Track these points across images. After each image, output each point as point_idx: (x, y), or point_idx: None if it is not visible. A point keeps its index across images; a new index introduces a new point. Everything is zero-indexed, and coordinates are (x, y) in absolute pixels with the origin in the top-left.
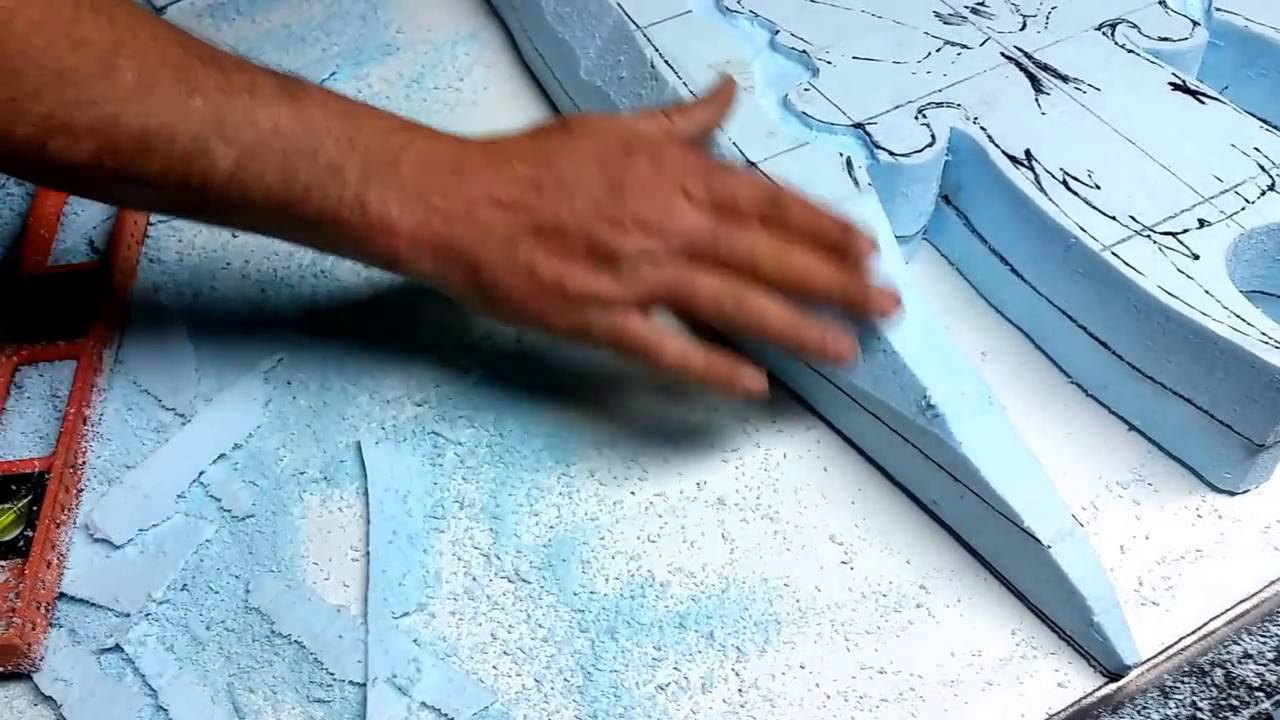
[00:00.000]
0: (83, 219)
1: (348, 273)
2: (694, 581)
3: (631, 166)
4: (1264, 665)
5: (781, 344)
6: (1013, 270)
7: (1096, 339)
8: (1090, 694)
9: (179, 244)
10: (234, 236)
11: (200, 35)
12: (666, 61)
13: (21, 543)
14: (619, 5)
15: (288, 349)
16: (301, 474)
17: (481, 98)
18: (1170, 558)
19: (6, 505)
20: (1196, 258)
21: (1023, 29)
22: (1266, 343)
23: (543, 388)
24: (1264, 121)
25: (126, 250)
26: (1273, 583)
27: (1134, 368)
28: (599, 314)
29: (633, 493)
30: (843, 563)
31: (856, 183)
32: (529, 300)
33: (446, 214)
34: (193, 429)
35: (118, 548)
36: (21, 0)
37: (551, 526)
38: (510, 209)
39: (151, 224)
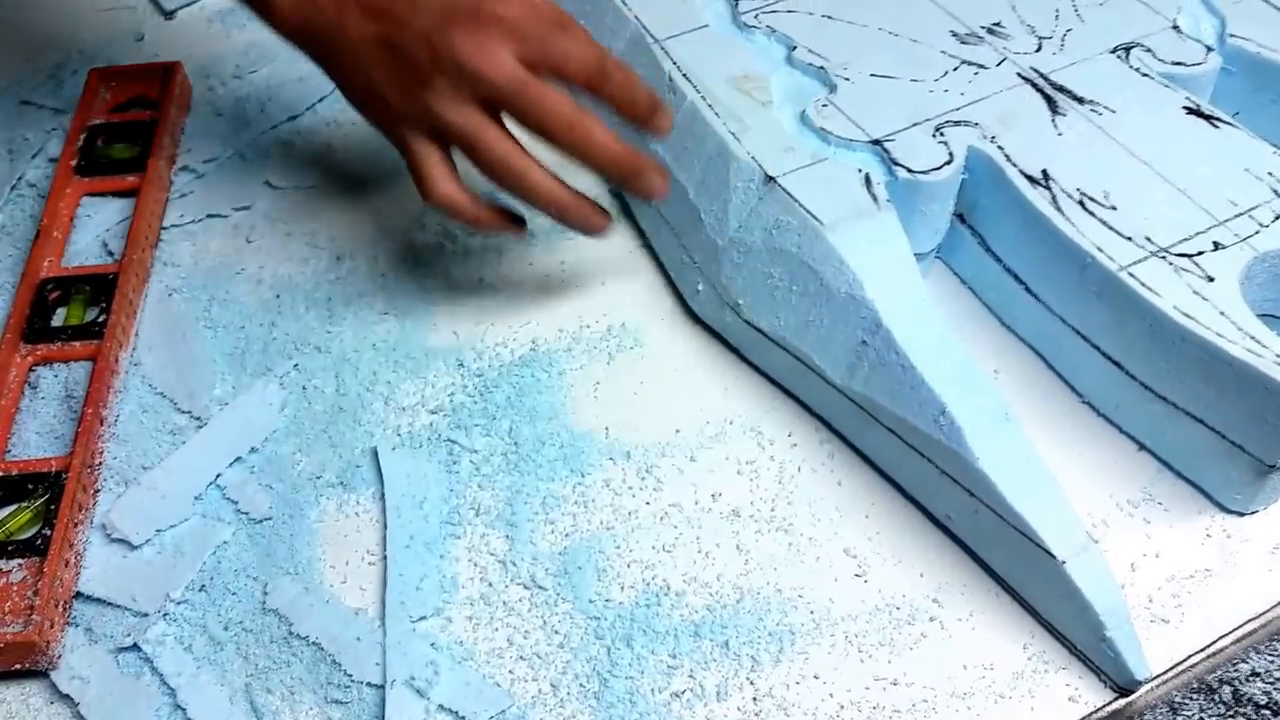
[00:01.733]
0: (96, 221)
1: (363, 279)
2: (709, 591)
3: (478, 5)
4: (1271, 683)
5: (548, 213)
6: (1027, 289)
7: (1109, 358)
8: (1101, 709)
9: (193, 248)
10: (248, 241)
11: (210, 40)
12: (684, 74)
13: (39, 541)
14: (637, 18)
15: (303, 353)
16: (318, 478)
17: None
18: (1180, 576)
19: (24, 504)
20: (1211, 279)
21: (1038, 50)
22: None
23: (558, 398)
24: (1277, 146)
25: (141, 253)
26: None
27: (1146, 387)
28: (415, 133)
29: (648, 503)
30: (856, 575)
31: (875, 199)
32: (364, 104)
33: (318, 4)
34: (209, 432)
35: (135, 548)
36: None
37: (567, 535)
38: (367, 15)
39: (165, 227)
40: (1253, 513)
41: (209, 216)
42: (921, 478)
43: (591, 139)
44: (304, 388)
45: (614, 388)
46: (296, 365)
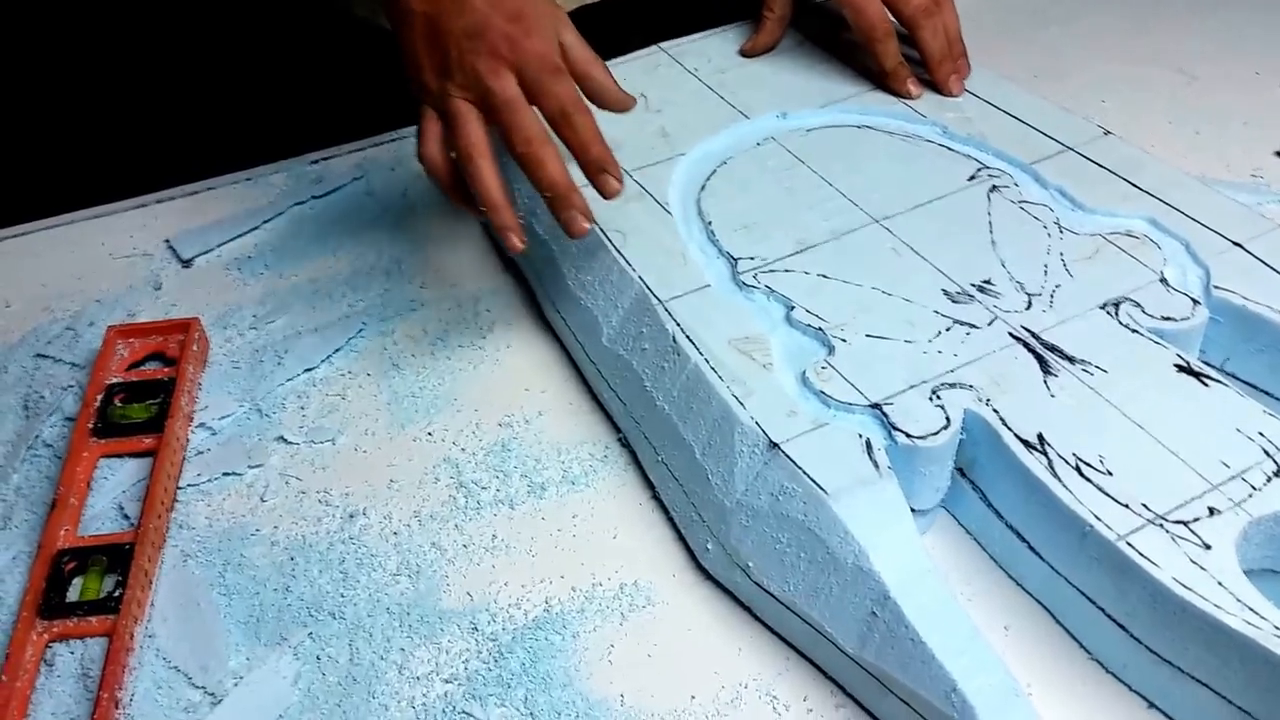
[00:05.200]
0: (112, 483)
1: (376, 537)
2: None
3: (509, 29)
4: None
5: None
6: (1030, 548)
7: (1114, 620)
8: None
9: (209, 509)
10: (263, 500)
11: (227, 289)
12: (688, 336)
13: None
14: (640, 278)
15: (317, 620)
16: None
17: (505, 356)
18: None
19: None
20: (1208, 547)
21: (1028, 308)
22: None
23: (572, 662)
24: (1266, 394)
25: (157, 520)
26: None
27: (1152, 651)
28: (427, 103)
29: None
30: None
31: (877, 465)
32: (404, 64)
33: None
34: (224, 712)
35: None
36: None
37: None
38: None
39: (181, 487)
40: None
41: (225, 475)
42: None
43: (541, 158)
44: (318, 657)
45: (628, 650)
46: (311, 634)
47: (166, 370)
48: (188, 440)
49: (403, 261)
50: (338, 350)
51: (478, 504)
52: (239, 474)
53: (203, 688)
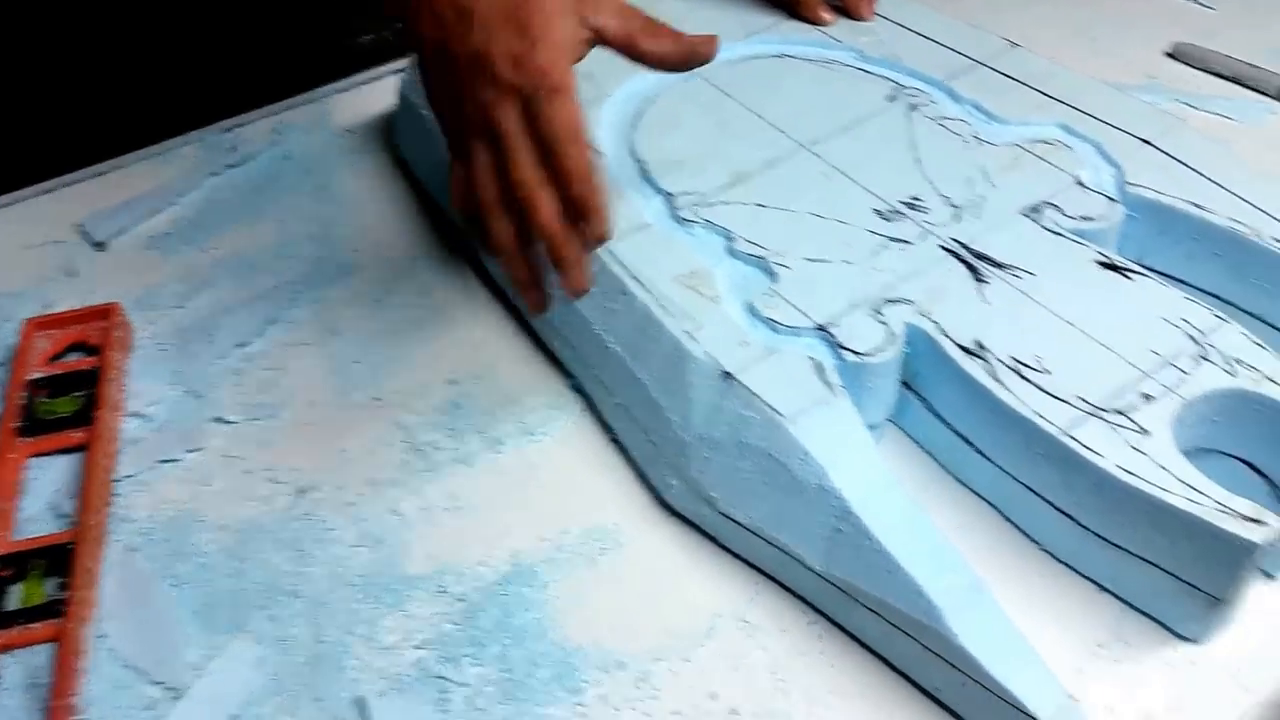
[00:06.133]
0: (44, 483)
1: (330, 510)
2: None
3: (513, 60)
4: None
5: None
6: (977, 451)
7: (1062, 512)
8: None
9: (150, 499)
10: (206, 485)
11: (147, 269)
12: (634, 276)
13: None
14: None
15: (275, 602)
16: None
17: (448, 313)
18: (1155, 711)
19: None
20: (1146, 433)
21: (957, 221)
22: (1222, 511)
23: (545, 613)
24: (1184, 283)
25: (96, 515)
26: None
27: (1100, 537)
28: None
29: (648, 714)
30: None
31: (829, 385)
32: (437, 117)
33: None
34: (187, 706)
35: None
36: None
37: None
38: (434, 19)
39: (117, 480)
40: (1210, 639)
41: (162, 463)
42: (908, 654)
43: (534, 201)
44: (280, 639)
45: (600, 595)
46: (270, 616)
47: (90, 360)
48: (120, 430)
49: (331, 226)
50: (273, 323)
51: (434, 465)
52: (178, 460)
53: (162, 683)
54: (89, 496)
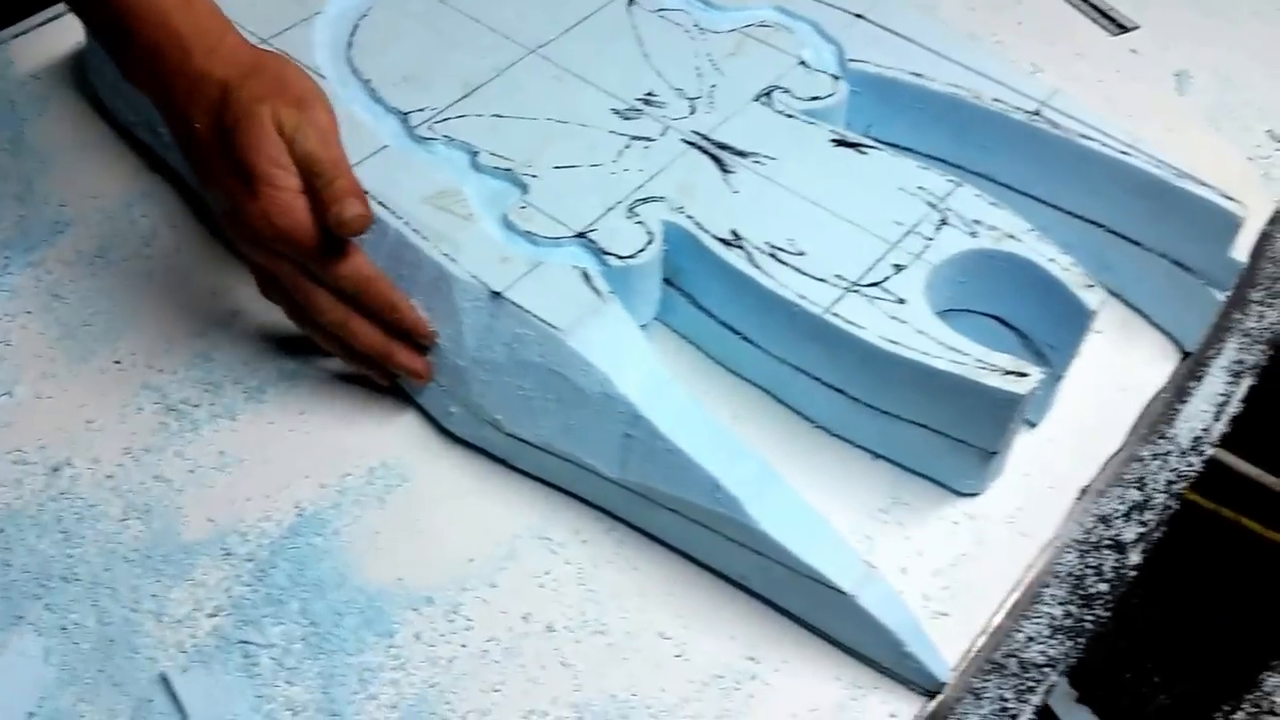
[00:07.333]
0: None
1: (90, 486)
2: None
3: (255, 224)
4: (1044, 643)
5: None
6: (744, 338)
7: (832, 387)
8: (918, 718)
9: None
10: None
11: None
12: (380, 202)
13: None
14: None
15: (49, 589)
16: None
17: (176, 261)
18: (944, 568)
19: None
20: (903, 301)
21: (694, 113)
22: (985, 368)
23: (341, 560)
24: (911, 150)
25: None
26: (1029, 567)
27: (871, 407)
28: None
29: (464, 645)
30: (677, 656)
31: (598, 292)
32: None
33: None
34: None
35: None
36: None
37: (394, 706)
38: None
39: None
40: (985, 492)
41: None
42: (711, 547)
43: (350, 333)
44: (63, 628)
45: (394, 533)
46: (47, 605)
47: None
48: None
49: (33, 182)
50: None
51: (194, 424)
52: None
53: None
54: None
